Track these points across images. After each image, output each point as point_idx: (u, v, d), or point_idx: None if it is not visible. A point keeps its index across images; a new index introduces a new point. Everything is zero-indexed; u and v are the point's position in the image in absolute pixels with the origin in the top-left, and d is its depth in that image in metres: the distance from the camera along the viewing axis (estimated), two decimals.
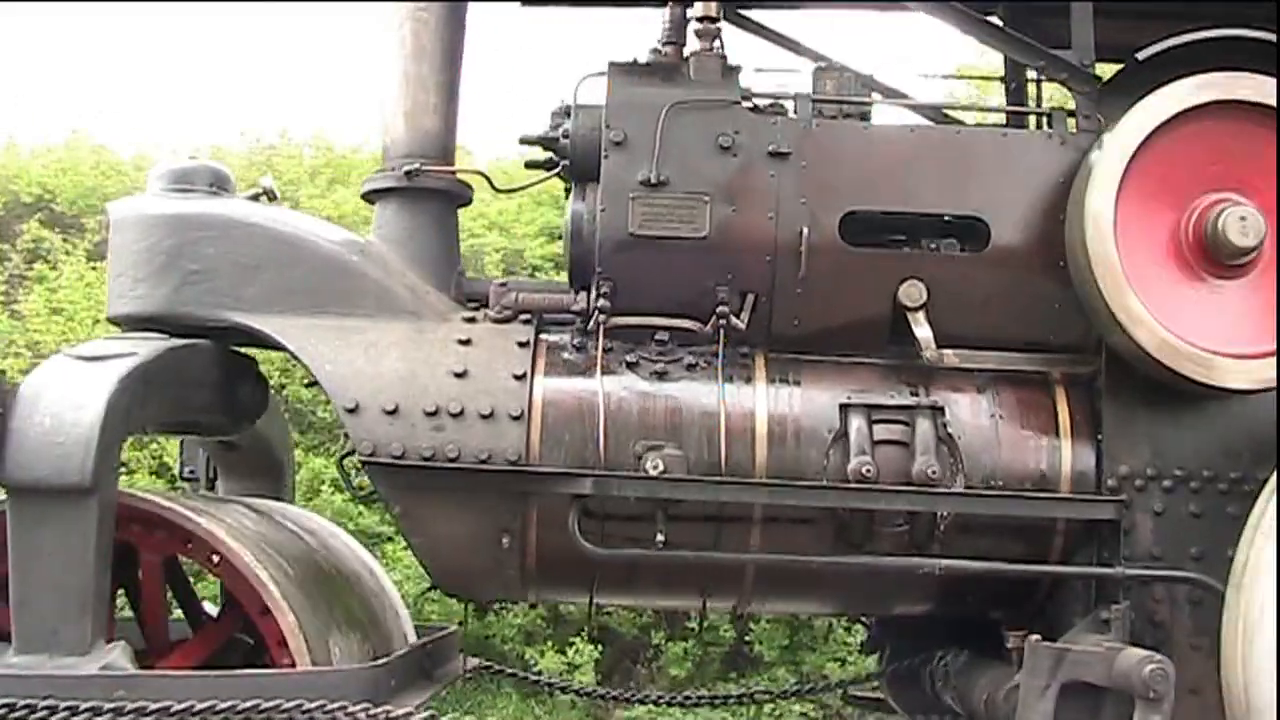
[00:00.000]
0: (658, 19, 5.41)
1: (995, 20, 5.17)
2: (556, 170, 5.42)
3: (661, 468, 4.79)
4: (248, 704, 4.06)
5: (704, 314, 5.10)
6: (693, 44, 5.30)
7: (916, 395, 5.07)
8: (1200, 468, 4.95)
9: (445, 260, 5.43)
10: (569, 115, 5.28)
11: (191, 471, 6.25)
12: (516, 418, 4.92)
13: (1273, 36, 4.81)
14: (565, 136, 5.23)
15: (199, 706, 4.01)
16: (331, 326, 5.08)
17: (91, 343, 4.80)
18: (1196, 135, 4.76)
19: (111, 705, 3.95)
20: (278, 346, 5.13)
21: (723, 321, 5.04)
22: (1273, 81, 4.72)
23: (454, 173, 5.52)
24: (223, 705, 4.04)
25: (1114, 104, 5.05)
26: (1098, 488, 4.98)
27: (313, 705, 4.10)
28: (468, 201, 5.56)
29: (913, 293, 5.06)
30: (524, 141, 5.44)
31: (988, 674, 5.05)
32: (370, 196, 5.53)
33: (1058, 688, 4.44)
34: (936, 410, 5.02)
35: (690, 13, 5.29)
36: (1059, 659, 4.47)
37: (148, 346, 4.75)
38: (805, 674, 9.27)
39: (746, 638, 9.59)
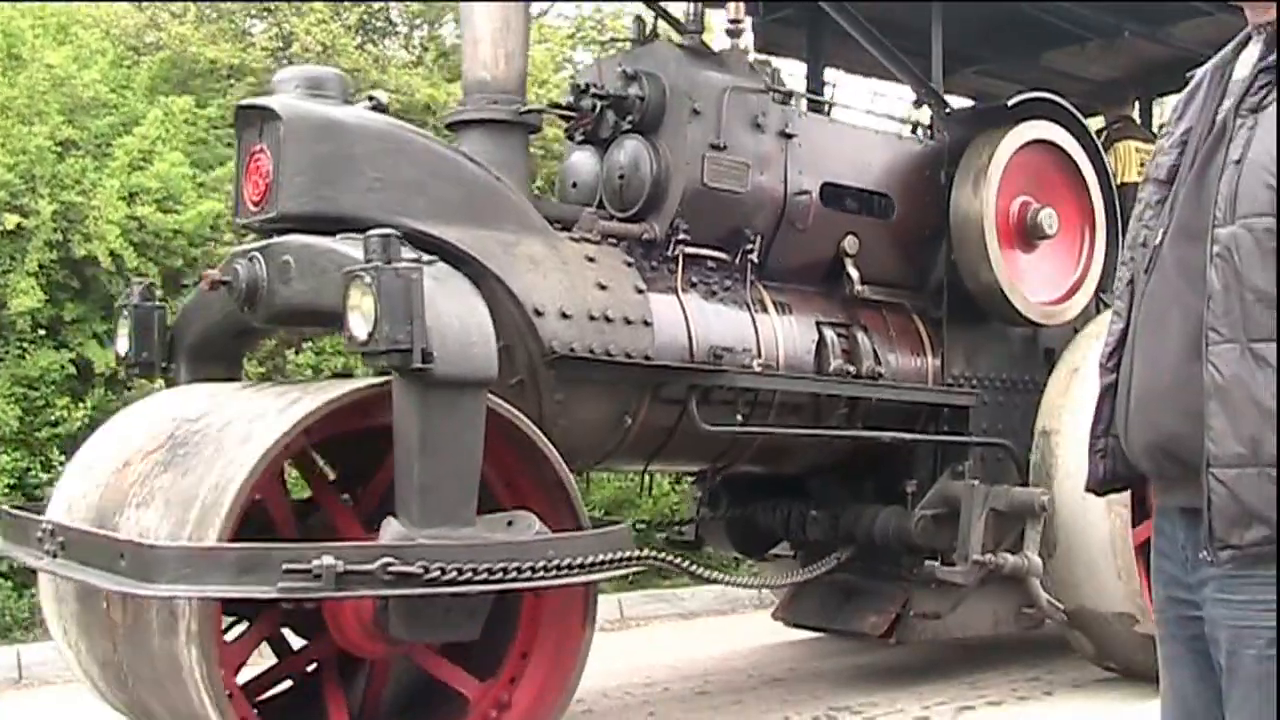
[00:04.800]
0: None
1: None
2: (595, 114, 6.60)
3: (763, 366, 6.41)
4: (640, 553, 5.20)
5: (733, 249, 6.68)
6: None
7: (851, 318, 7.13)
8: (991, 372, 7.62)
9: (528, 186, 6.36)
10: (633, 79, 6.52)
11: (143, 355, 6.19)
12: (649, 324, 6.17)
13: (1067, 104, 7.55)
14: (640, 99, 6.47)
15: (621, 555, 5.06)
16: (494, 239, 5.86)
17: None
18: (1018, 159, 7.37)
19: (593, 559, 4.87)
20: (450, 253, 5.76)
21: (750, 258, 6.69)
22: (1063, 132, 7.49)
23: (561, 113, 6.47)
24: (635, 554, 5.14)
25: (954, 128, 7.50)
26: (943, 384, 7.43)
27: (662, 554, 5.34)
28: (537, 130, 6.50)
29: (852, 244, 7.09)
30: (595, 96, 6.52)
31: (884, 512, 7.25)
32: (455, 125, 6.26)
33: (986, 513, 6.86)
34: (865, 329, 7.13)
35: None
36: (986, 495, 6.87)
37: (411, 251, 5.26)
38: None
39: None
